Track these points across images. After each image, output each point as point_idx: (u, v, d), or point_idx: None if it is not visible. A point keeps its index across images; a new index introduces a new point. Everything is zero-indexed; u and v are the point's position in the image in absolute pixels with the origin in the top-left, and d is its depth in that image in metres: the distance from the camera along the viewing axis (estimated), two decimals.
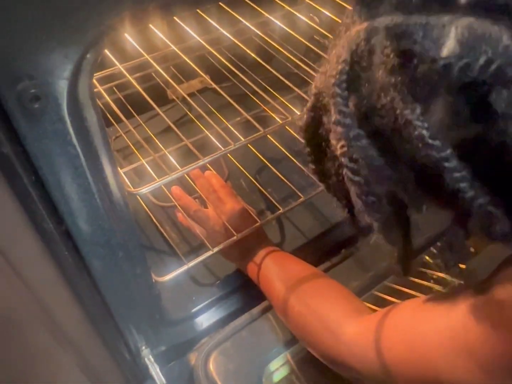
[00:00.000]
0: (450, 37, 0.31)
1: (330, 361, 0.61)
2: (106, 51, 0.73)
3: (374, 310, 0.58)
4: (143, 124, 0.92)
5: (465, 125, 0.32)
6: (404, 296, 0.76)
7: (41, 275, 0.52)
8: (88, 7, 0.37)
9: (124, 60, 0.83)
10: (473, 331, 0.41)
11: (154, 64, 0.73)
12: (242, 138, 0.90)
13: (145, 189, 0.61)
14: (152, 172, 0.71)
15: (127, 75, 0.75)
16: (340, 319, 0.60)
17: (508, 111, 0.30)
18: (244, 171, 0.90)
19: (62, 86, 0.40)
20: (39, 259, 0.50)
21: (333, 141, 0.38)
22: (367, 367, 0.54)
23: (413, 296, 0.62)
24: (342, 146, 0.36)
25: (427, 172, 0.34)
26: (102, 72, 0.80)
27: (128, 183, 0.72)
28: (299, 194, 0.82)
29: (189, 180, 0.84)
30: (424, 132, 0.32)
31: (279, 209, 0.79)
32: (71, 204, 0.47)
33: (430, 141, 0.32)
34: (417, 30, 0.32)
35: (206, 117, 0.75)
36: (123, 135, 0.88)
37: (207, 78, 1.02)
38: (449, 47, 0.31)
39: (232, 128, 0.80)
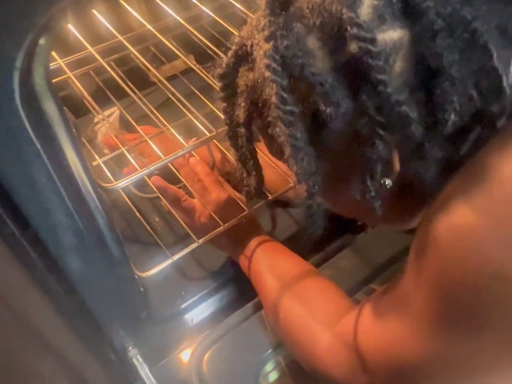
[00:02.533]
0: None
1: (310, 368, 0.59)
2: (76, 33, 0.68)
3: None
4: (123, 110, 0.87)
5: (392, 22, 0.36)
6: None
7: (9, 280, 0.48)
8: None
9: (98, 42, 0.78)
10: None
11: (128, 45, 0.68)
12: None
13: (121, 183, 0.56)
14: (133, 162, 0.66)
15: (99, 58, 0.69)
16: (320, 326, 0.57)
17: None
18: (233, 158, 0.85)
19: (12, 77, 0.35)
20: (5, 264, 0.46)
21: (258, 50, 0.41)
22: (344, 374, 0.52)
23: None
24: (267, 50, 0.39)
25: (353, 65, 0.37)
26: (74, 56, 0.74)
27: (109, 174, 0.67)
28: (291, 180, 0.77)
29: (173, 168, 0.79)
30: (353, 15, 0.35)
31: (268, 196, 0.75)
32: (36, 206, 0.43)
33: (358, 20, 0.35)
34: None
35: (185, 102, 0.70)
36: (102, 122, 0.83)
37: (190, 58, 0.97)
38: None
39: (218, 112, 0.76)
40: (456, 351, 0.40)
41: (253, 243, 0.71)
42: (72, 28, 0.67)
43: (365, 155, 0.39)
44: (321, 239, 0.80)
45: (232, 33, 0.88)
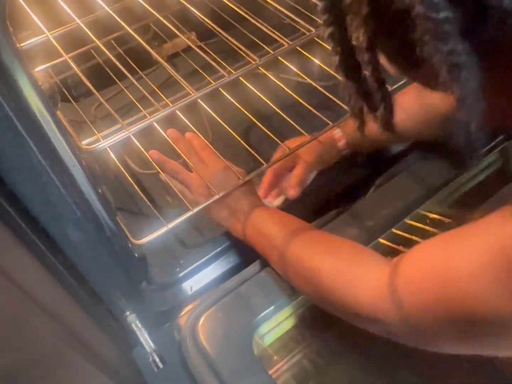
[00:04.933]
0: None
1: (351, 316, 0.56)
2: (68, 10, 0.70)
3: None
4: (125, 90, 0.89)
5: None
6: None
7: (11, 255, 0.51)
8: None
9: (95, 22, 0.79)
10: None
11: (124, 25, 0.69)
12: (230, 98, 0.86)
13: (102, 144, 0.57)
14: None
15: (95, 39, 0.71)
16: (361, 272, 0.54)
17: None
18: (230, 130, 0.85)
19: None
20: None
21: None
22: (393, 317, 0.48)
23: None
24: None
25: None
26: (63, 27, 0.75)
27: (114, 157, 0.68)
28: (287, 148, 0.77)
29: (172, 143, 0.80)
30: None
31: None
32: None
33: None
34: None
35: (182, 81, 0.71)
36: (104, 102, 0.85)
37: (192, 35, 0.98)
38: None
39: (221, 90, 0.77)
40: None
41: (251, 210, 0.71)
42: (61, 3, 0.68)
43: None
44: (319, 207, 0.81)
45: (233, 8, 0.88)
